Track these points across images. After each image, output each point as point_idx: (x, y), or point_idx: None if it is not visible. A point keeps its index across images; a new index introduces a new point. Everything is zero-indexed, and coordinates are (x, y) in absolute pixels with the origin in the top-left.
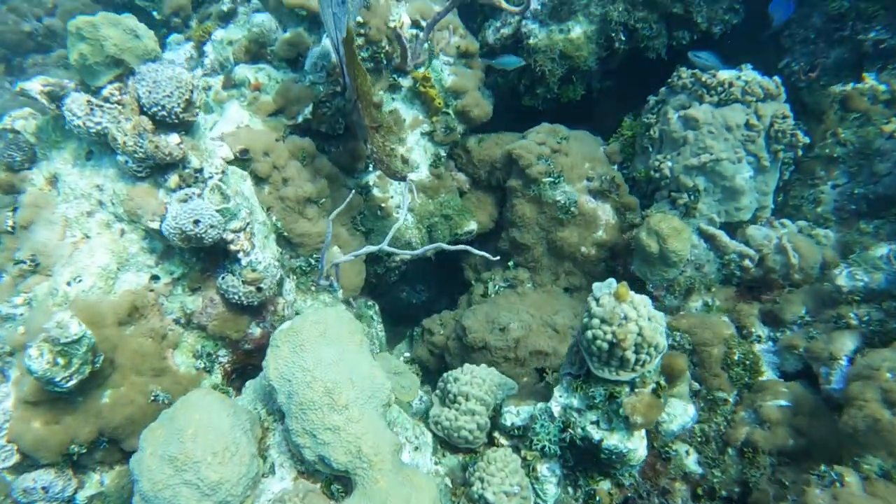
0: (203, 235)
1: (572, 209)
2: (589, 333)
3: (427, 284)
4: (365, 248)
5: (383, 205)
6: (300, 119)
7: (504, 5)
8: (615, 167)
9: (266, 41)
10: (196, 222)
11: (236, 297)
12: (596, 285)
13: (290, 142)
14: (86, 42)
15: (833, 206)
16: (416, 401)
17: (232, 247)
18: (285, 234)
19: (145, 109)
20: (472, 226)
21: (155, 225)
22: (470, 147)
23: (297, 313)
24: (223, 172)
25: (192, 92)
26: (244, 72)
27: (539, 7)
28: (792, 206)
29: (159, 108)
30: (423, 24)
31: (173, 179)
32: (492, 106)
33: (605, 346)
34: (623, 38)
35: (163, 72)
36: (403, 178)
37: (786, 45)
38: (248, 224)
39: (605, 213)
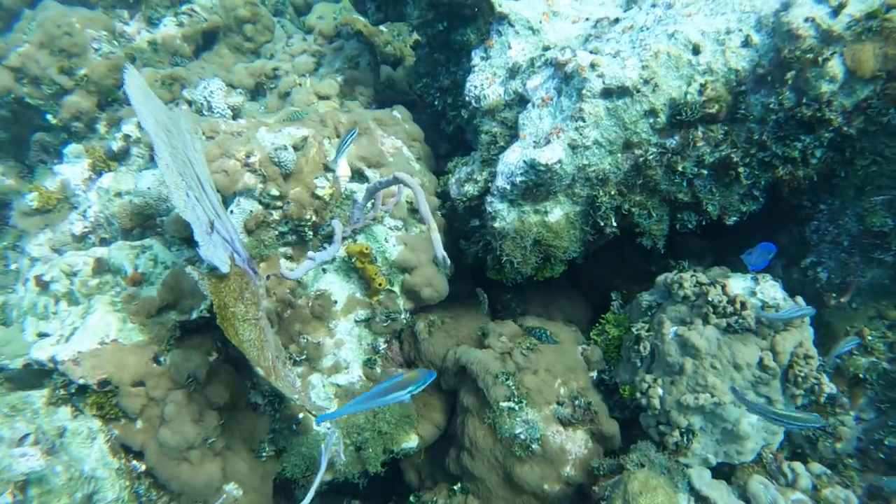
0: None
1: (534, 447)
2: None
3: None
4: None
5: (301, 416)
6: (194, 315)
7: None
8: (594, 374)
9: (154, 212)
10: None
11: None
12: None
13: (173, 362)
14: None
15: (855, 446)
16: None
17: None
18: (160, 483)
19: None
20: (413, 442)
21: None
22: (419, 334)
23: None
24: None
25: None
26: (121, 257)
27: (508, 186)
28: (806, 438)
29: None
30: (368, 174)
31: None
32: (448, 282)
33: None
34: (615, 225)
35: None
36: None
37: (811, 240)
38: None
39: (575, 444)
